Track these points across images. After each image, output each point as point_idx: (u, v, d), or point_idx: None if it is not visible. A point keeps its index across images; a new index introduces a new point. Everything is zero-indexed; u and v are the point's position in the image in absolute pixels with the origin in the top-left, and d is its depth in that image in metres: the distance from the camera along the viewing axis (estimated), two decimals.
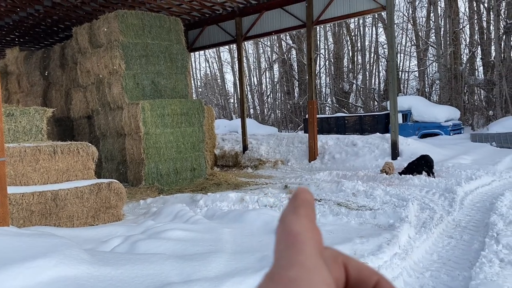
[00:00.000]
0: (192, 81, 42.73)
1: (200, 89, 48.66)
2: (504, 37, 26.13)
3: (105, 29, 11.64)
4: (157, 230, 5.76)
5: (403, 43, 34.27)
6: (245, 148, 17.63)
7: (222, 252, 4.76)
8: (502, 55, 25.62)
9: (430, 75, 31.94)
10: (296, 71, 38.09)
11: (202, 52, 43.55)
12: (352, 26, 35.26)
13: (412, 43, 33.76)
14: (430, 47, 31.36)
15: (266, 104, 41.51)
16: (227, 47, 39.67)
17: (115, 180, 7.80)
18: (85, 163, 7.65)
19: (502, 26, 26.27)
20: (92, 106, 13.05)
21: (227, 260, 4.45)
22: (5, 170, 5.60)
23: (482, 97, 28.44)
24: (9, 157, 6.53)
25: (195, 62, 46.67)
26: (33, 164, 6.95)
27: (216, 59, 45.20)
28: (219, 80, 46.21)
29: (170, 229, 5.68)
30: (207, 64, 63.64)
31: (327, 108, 36.58)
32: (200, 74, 49.30)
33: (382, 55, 33.58)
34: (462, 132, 21.58)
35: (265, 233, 5.73)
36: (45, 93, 15.58)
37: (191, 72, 31.05)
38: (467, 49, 29.46)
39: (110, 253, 4.68)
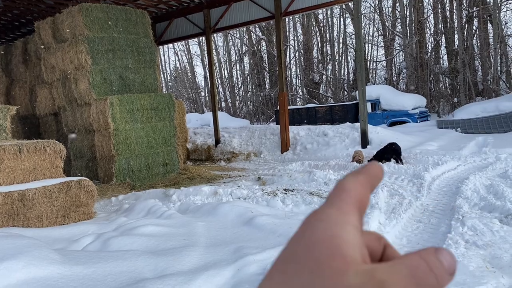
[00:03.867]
0: (162, 75, 42.17)
1: (170, 83, 48.05)
2: (466, 26, 26.91)
3: (69, 23, 11.31)
4: (129, 227, 5.69)
5: (371, 33, 34.81)
6: (217, 141, 17.58)
7: (196, 245, 4.76)
8: (465, 43, 26.40)
9: (397, 64, 32.61)
10: (266, 63, 38.12)
11: (171, 45, 42.96)
12: (320, 17, 35.53)
13: (379, 33, 34.34)
14: (397, 36, 31.98)
15: (237, 96, 41.41)
16: (196, 39, 39.26)
17: (85, 178, 7.65)
18: (52, 161, 7.46)
19: (465, 15, 27.04)
20: (58, 103, 12.69)
21: (201, 253, 4.45)
22: None
23: (447, 84, 29.28)
24: None
25: (164, 55, 46.00)
26: None
27: (186, 52, 44.72)
28: (189, 74, 45.74)
29: (143, 225, 5.62)
30: (177, 58, 62.97)
31: (298, 99, 36.83)
32: (169, 68, 48.68)
33: (350, 45, 34.01)
34: (428, 119, 22.17)
35: (238, 225, 5.76)
36: (8, 90, 15.04)
37: (160, 66, 30.60)
38: (432, 38, 30.21)
39: (82, 252, 4.60)
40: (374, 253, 0.35)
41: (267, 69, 37.87)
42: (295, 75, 37.93)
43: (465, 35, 26.71)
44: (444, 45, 29.39)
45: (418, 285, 0.29)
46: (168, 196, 8.40)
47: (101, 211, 8.20)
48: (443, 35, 29.02)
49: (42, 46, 12.46)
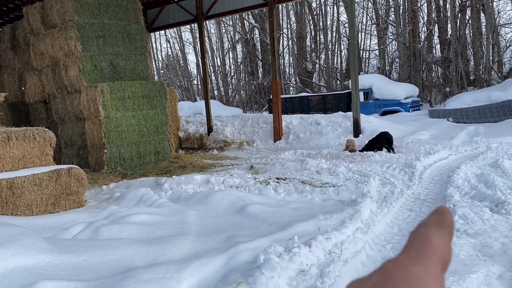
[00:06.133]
0: (153, 63, 41.79)
1: (162, 71, 47.63)
2: (459, 15, 26.89)
3: (59, 8, 11.08)
4: (120, 215, 5.65)
5: (364, 22, 34.68)
6: (210, 130, 17.50)
7: (188, 234, 4.73)
8: (458, 32, 26.40)
9: (390, 53, 32.58)
10: (259, 51, 37.88)
11: (162, 32, 42.51)
12: (314, 5, 35.29)
13: (373, 21, 34.22)
14: (390, 25, 31.89)
15: (230, 85, 41.20)
16: (188, 26, 38.87)
17: (75, 166, 7.56)
18: (42, 149, 7.36)
19: (458, 4, 27.01)
20: (48, 90, 12.50)
21: (193, 242, 4.43)
22: None
23: (439, 74, 29.33)
24: None
25: (155, 42, 45.51)
26: None
27: (177, 39, 44.26)
28: (181, 61, 45.36)
29: (134, 214, 5.58)
30: (168, 45, 62.35)
31: (291, 88, 36.73)
32: (161, 55, 48.21)
33: (344, 34, 33.88)
34: (420, 108, 22.25)
35: (230, 213, 5.74)
36: None
37: (151, 53, 30.26)
38: (425, 27, 30.16)
39: (72, 241, 4.56)
40: None
41: (260, 58, 37.66)
42: (288, 64, 37.79)
43: (458, 24, 26.71)
44: (437, 34, 29.38)
45: None
46: (159, 184, 8.35)
47: (92, 199, 8.14)
48: (436, 25, 29.00)
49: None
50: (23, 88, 13.68)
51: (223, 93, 40.63)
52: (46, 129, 7.61)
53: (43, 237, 4.48)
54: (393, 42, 31.72)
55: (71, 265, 3.60)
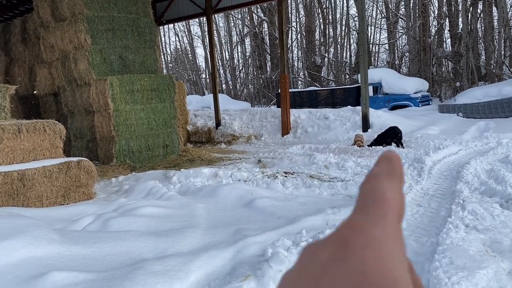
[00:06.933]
0: (162, 56, 41.82)
1: (171, 65, 47.69)
2: (471, 9, 26.53)
3: (68, 2, 11.12)
4: (129, 207, 5.69)
5: (374, 16, 34.39)
6: (218, 123, 17.52)
7: (196, 227, 4.76)
8: (469, 27, 26.07)
9: (400, 47, 32.27)
10: (268, 45, 37.74)
11: (171, 25, 42.53)
12: None
13: (382, 15, 33.91)
14: (400, 19, 31.58)
15: (238, 79, 41.14)
16: (197, 20, 38.82)
17: (85, 158, 7.62)
18: (52, 141, 7.42)
19: None
20: (58, 83, 12.59)
21: (201, 234, 4.45)
22: None
23: (449, 68, 29.02)
24: None
25: (164, 36, 45.55)
26: None
27: (186, 33, 44.26)
28: (189, 55, 45.35)
29: (143, 206, 5.62)
30: (177, 38, 62.36)
31: (299, 82, 36.58)
32: (170, 49, 48.24)
33: (353, 28, 33.62)
34: (430, 103, 22.04)
35: (238, 207, 5.75)
36: (7, 69, 14.92)
37: (160, 47, 30.26)
38: (436, 21, 29.83)
39: (81, 232, 4.60)
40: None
41: (268, 51, 37.53)
42: (296, 58, 37.63)
43: (469, 18, 26.36)
44: (448, 28, 29.04)
45: None
46: (168, 177, 8.39)
47: (101, 191, 8.20)
48: (447, 18, 28.65)
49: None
50: (34, 81, 13.79)
51: (231, 87, 40.61)
52: (56, 121, 7.68)
53: (54, 228, 4.53)
54: (403, 36, 31.43)
55: (81, 256, 3.64)
